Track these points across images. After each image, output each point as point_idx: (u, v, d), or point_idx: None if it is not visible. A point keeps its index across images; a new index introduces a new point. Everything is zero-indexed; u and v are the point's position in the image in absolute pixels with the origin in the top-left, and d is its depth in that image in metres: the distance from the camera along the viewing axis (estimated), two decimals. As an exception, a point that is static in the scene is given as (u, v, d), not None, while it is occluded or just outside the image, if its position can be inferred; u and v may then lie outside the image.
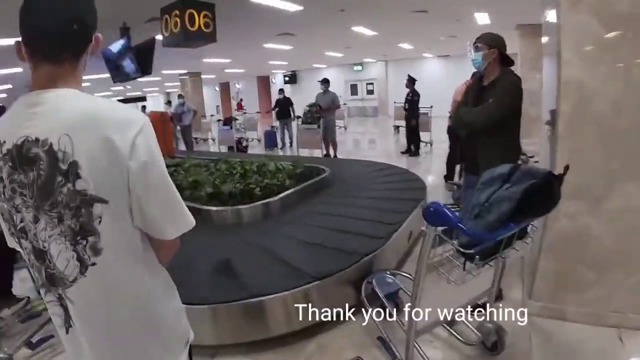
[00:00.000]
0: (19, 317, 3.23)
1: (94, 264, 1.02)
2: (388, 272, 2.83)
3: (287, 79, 23.14)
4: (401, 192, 4.80)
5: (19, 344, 2.77)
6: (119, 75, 7.63)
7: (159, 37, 5.85)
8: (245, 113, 18.91)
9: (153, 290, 1.14)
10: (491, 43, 2.71)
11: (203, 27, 5.22)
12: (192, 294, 2.50)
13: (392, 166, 6.26)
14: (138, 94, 25.73)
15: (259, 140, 14.50)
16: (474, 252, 1.57)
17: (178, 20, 5.08)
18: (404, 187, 5.01)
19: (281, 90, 12.54)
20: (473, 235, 1.53)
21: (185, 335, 1.28)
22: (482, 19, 8.63)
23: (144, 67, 7.00)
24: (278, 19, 7.60)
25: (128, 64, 7.10)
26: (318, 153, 8.89)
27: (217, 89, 27.90)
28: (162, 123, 6.68)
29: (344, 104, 17.09)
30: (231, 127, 11.54)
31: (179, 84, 18.90)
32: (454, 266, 1.67)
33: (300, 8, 6.91)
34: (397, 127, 13.00)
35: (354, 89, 21.80)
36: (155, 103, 28.20)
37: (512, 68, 2.87)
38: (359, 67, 21.10)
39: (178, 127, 13.35)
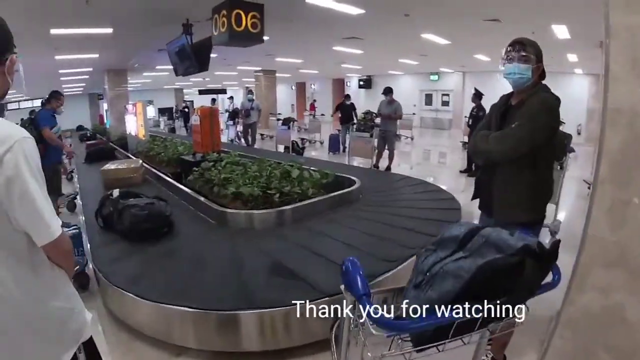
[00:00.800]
0: None
1: None
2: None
3: (361, 83, 22.84)
4: (429, 215, 4.40)
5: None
6: (179, 69, 7.84)
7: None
8: (311, 114, 18.93)
9: (36, 289, 1.27)
10: (539, 54, 2.13)
11: (250, 28, 5.10)
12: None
13: (435, 187, 5.77)
14: (218, 86, 26.70)
15: (321, 143, 14.40)
16: (400, 338, 1.20)
17: (225, 20, 5.00)
18: (436, 213, 4.57)
19: (347, 96, 12.29)
20: (379, 323, 1.13)
21: (75, 335, 1.39)
22: (561, 32, 7.78)
23: (201, 63, 7.13)
24: (342, 21, 7.40)
25: (187, 60, 7.24)
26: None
27: (293, 88, 28.23)
28: (210, 118, 6.67)
29: (413, 113, 16.45)
30: (289, 128, 11.46)
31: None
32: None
33: (362, 11, 6.66)
34: (465, 143, 12.24)
35: (428, 99, 20.94)
36: (235, 96, 29.05)
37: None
38: (435, 77, 20.22)
39: (240, 121, 13.57)
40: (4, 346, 1.26)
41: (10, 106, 19.69)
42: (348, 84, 24.06)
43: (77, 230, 4.13)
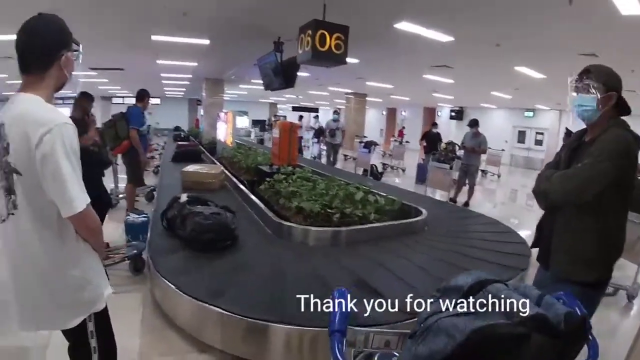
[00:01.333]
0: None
1: (12, 214, 1.46)
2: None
3: (453, 114, 22.28)
4: (492, 259, 4.01)
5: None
6: (267, 84, 8.19)
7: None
8: (398, 140, 18.73)
9: (59, 257, 1.49)
10: (609, 82, 1.87)
11: (334, 49, 5.17)
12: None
13: (509, 231, 5.33)
14: (311, 105, 27.49)
15: (403, 170, 14.17)
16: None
17: (310, 39, 5.13)
18: (500, 256, 4.15)
19: (434, 124, 12.02)
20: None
21: (87, 304, 1.57)
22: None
23: (287, 80, 7.37)
24: (431, 49, 7.30)
25: (275, 75, 7.54)
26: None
27: (384, 113, 28.25)
28: (289, 132, 6.84)
29: (503, 149, 15.61)
30: (370, 151, 11.41)
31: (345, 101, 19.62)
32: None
33: (451, 39, 6.53)
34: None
35: (521, 136, 19.84)
36: (325, 115, 29.73)
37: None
38: (530, 114, 19.18)
39: (323, 140, 13.75)
40: (24, 302, 1.53)
41: (114, 100, 21.97)
42: (439, 113, 23.59)
43: (146, 219, 4.46)
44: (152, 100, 19.81)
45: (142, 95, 5.94)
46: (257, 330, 2.60)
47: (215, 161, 9.49)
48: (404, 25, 5.98)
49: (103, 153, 4.72)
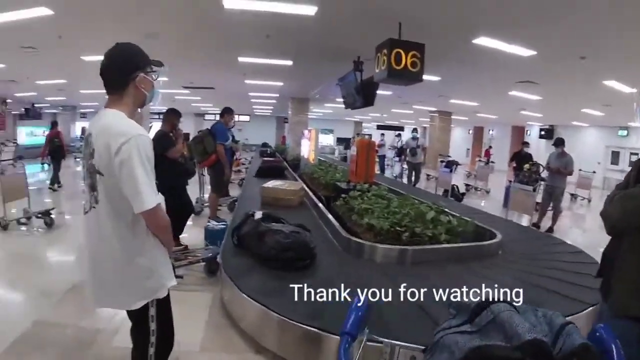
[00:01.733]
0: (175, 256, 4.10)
1: (94, 207, 1.75)
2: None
3: (542, 133, 20.88)
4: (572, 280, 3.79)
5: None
6: (349, 103, 8.36)
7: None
8: (480, 160, 17.97)
9: (130, 246, 1.74)
10: None
11: (409, 67, 5.21)
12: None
13: (581, 251, 5.02)
14: (395, 123, 27.31)
15: (487, 192, 13.56)
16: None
17: (385, 58, 5.21)
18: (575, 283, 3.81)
19: (525, 144, 11.26)
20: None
21: (151, 291, 1.80)
22: None
23: (367, 99, 7.49)
24: (513, 64, 7.03)
25: (355, 94, 7.71)
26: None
27: (470, 132, 27.32)
28: (367, 150, 6.97)
29: (594, 171, 14.14)
30: (451, 171, 11.06)
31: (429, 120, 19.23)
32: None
33: (533, 53, 6.25)
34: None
35: (615, 157, 17.85)
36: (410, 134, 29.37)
37: None
38: (624, 132, 17.30)
39: (400, 159, 13.56)
40: (99, 283, 1.81)
41: (207, 117, 23.58)
42: (528, 132, 22.24)
43: (225, 226, 4.80)
44: (242, 118, 20.82)
45: (224, 112, 6.44)
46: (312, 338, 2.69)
47: (297, 177, 9.75)
48: (483, 41, 5.84)
49: (189, 165, 5.16)
